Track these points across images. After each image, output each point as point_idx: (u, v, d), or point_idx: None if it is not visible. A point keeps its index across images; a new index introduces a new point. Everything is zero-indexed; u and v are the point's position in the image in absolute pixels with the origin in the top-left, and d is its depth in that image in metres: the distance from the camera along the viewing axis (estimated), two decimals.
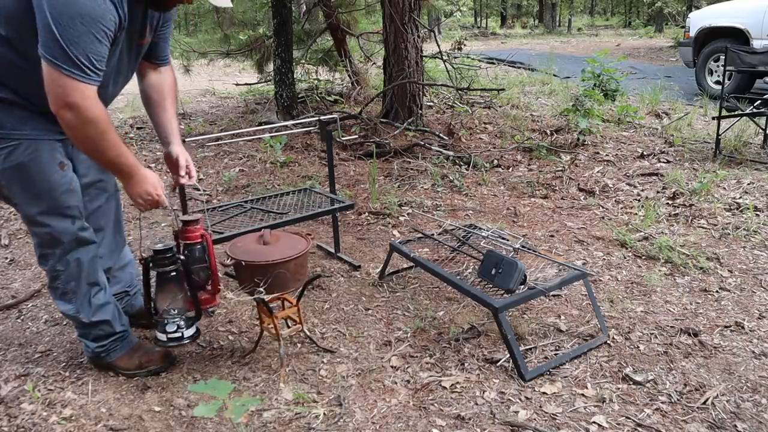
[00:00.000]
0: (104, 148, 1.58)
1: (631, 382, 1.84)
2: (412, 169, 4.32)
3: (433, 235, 2.55)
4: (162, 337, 1.81)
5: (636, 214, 3.38)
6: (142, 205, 1.74)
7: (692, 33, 7.33)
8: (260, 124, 5.55)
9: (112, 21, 1.48)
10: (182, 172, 1.92)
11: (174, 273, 1.78)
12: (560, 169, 4.24)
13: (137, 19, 1.64)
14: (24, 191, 1.68)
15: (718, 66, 6.99)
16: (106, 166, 1.69)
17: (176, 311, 1.80)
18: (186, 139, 2.33)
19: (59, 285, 1.81)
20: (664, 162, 4.33)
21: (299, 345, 2.11)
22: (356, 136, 5.04)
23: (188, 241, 1.82)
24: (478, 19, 35.17)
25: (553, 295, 2.41)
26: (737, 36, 6.82)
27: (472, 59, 8.44)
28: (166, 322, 1.79)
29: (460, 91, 6.13)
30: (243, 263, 1.79)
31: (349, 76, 7.37)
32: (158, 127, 1.97)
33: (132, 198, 1.73)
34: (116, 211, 2.06)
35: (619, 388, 1.82)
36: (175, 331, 1.80)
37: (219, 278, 1.90)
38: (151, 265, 1.76)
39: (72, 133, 1.54)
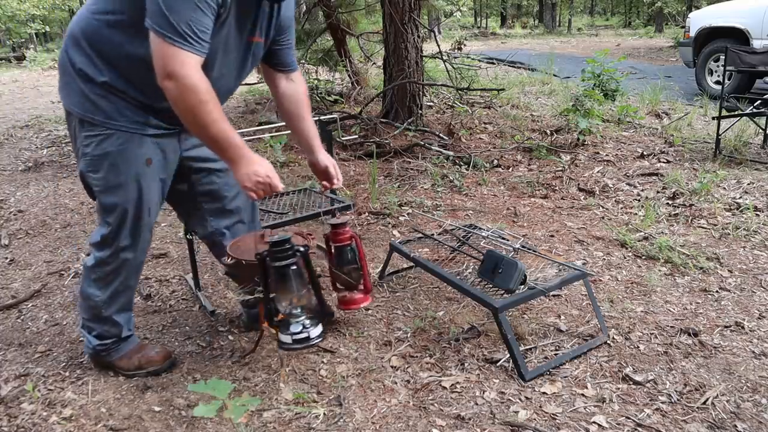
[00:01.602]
0: (205, 122, 1.52)
1: (631, 382, 1.84)
2: (412, 169, 4.32)
3: (433, 235, 2.55)
4: (287, 339, 1.70)
5: (636, 214, 3.38)
6: (251, 189, 1.62)
7: (692, 33, 7.33)
8: (260, 124, 5.55)
9: None
10: (335, 181, 1.98)
11: (294, 267, 1.67)
12: (560, 169, 4.24)
13: (249, 10, 1.64)
14: (107, 180, 1.69)
15: (718, 66, 6.99)
16: (209, 144, 1.61)
17: (300, 310, 1.72)
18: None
19: (99, 272, 1.82)
20: (664, 162, 4.33)
21: None
22: (356, 136, 5.04)
23: (339, 244, 1.91)
24: (478, 19, 35.19)
25: (553, 295, 2.40)
26: (737, 36, 6.82)
27: (472, 59, 8.44)
28: (289, 322, 1.70)
29: (460, 91, 6.13)
30: (243, 263, 1.79)
31: (349, 76, 7.37)
32: (299, 137, 2.01)
33: (241, 182, 1.63)
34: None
35: (619, 388, 1.82)
36: (301, 332, 1.69)
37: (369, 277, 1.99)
38: (268, 259, 1.65)
39: (174, 105, 1.51)
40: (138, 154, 1.69)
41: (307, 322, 1.72)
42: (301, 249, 1.68)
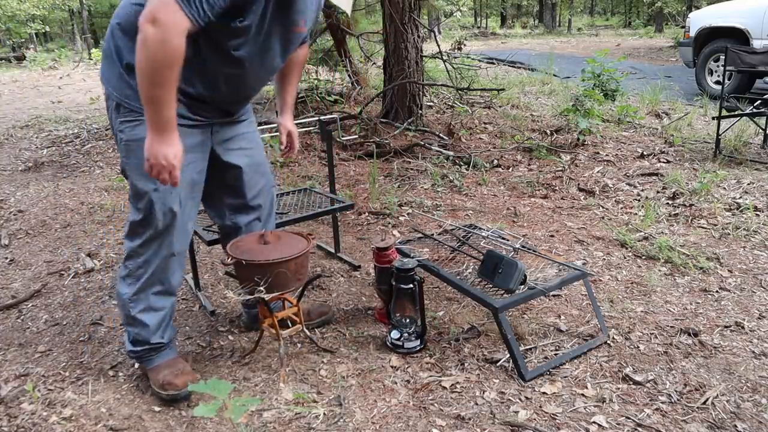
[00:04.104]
0: (156, 82, 1.49)
1: (631, 382, 1.84)
2: (412, 169, 4.32)
3: (433, 235, 2.55)
4: (388, 340, 2.06)
5: (636, 214, 3.38)
6: (150, 165, 1.60)
7: (692, 33, 7.33)
8: (260, 124, 5.54)
9: None
10: (283, 147, 2.09)
11: (409, 290, 2.01)
12: (560, 169, 4.24)
13: (294, 5, 1.65)
14: (138, 165, 1.68)
15: (718, 66, 6.99)
16: (146, 102, 1.54)
17: (407, 321, 2.04)
18: None
19: (130, 265, 1.81)
20: (664, 162, 4.33)
21: (299, 345, 2.11)
22: (356, 136, 5.04)
23: (382, 265, 2.10)
24: (478, 19, 35.20)
25: (553, 295, 2.41)
26: (737, 36, 6.82)
27: (472, 59, 8.44)
28: (392, 328, 2.05)
29: (460, 91, 6.13)
30: (243, 262, 1.79)
31: (349, 76, 7.37)
32: (278, 96, 2.09)
33: (147, 154, 1.59)
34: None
35: (619, 388, 1.82)
36: (398, 339, 2.02)
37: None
38: (393, 280, 2.03)
39: (140, 50, 1.47)
40: None
41: (406, 334, 2.03)
42: (418, 279, 2.02)
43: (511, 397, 1.78)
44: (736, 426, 1.63)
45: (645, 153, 4.55)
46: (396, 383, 1.87)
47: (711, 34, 7.14)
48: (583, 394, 1.79)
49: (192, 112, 1.74)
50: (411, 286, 2.01)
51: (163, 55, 1.45)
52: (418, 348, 2.03)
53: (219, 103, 1.80)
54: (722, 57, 5.42)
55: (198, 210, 1.92)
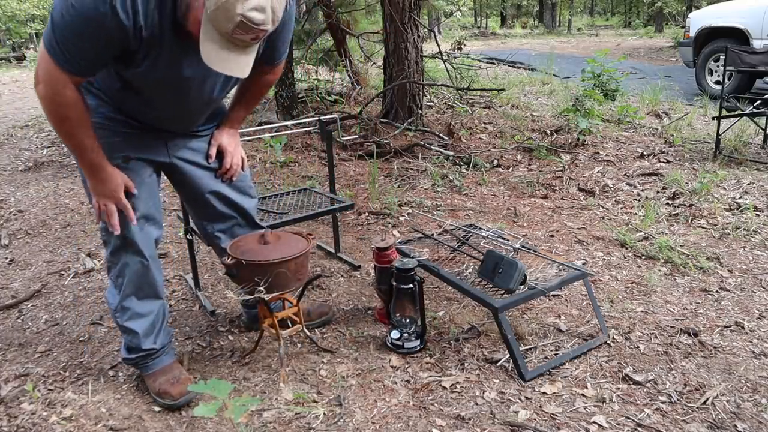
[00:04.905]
0: (65, 133, 1.55)
1: (631, 382, 1.84)
2: (412, 169, 4.32)
3: (433, 235, 2.54)
4: (388, 340, 2.07)
5: (636, 214, 3.38)
6: (96, 206, 1.67)
7: (692, 33, 7.33)
8: (260, 124, 5.55)
9: (109, 27, 1.39)
10: (227, 169, 1.89)
11: (409, 289, 2.02)
12: (560, 169, 4.24)
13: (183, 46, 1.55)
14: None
15: (718, 66, 6.99)
16: (70, 151, 1.63)
17: (408, 321, 2.05)
18: None
19: (111, 276, 1.82)
20: (664, 162, 4.33)
21: (299, 345, 2.11)
22: (356, 136, 5.04)
23: (382, 265, 2.12)
24: (478, 19, 35.22)
25: (553, 295, 2.41)
26: (737, 36, 6.82)
27: (472, 59, 8.44)
28: (392, 328, 2.06)
29: (460, 91, 6.13)
30: (243, 262, 1.79)
31: (349, 76, 7.38)
32: (230, 105, 1.96)
33: (94, 196, 1.67)
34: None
35: (619, 388, 1.82)
36: (398, 339, 2.03)
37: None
38: (393, 280, 2.04)
39: (42, 110, 1.54)
40: (114, 149, 1.66)
41: (406, 334, 2.03)
42: (418, 279, 2.03)
43: (511, 397, 1.78)
44: (736, 426, 1.63)
45: (645, 153, 4.55)
46: (396, 383, 1.87)
47: (711, 34, 7.14)
48: (583, 394, 1.79)
49: (137, 121, 1.71)
50: (411, 286, 2.01)
51: (57, 109, 1.50)
52: (418, 348, 2.03)
53: (159, 127, 1.77)
54: (722, 57, 5.42)
55: (161, 210, 1.85)
